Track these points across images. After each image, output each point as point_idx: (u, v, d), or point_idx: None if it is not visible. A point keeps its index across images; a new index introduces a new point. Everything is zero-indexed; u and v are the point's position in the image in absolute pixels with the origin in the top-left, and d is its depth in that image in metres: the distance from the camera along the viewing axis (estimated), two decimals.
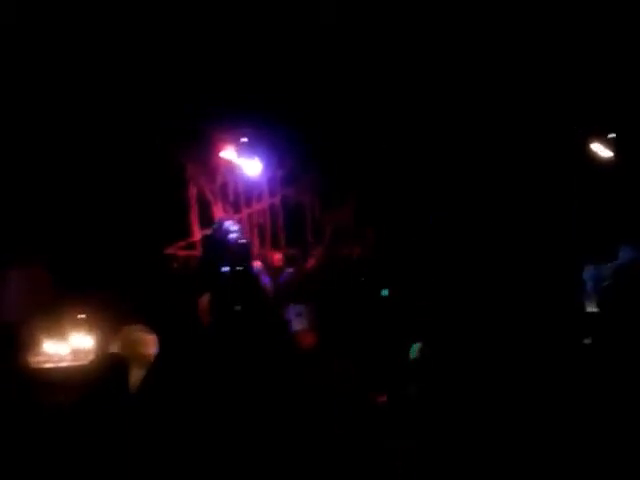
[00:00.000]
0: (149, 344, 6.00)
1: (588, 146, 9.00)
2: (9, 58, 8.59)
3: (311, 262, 9.25)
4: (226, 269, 7.79)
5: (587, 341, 6.76)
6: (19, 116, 9.03)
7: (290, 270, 9.06)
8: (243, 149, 9.13)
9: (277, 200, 10.29)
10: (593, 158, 9.06)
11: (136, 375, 6.06)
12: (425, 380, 6.55)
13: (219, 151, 9.30)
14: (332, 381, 6.47)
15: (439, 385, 6.46)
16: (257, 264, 8.59)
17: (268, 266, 9.65)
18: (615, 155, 9.01)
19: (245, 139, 9.11)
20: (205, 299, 7.59)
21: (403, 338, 7.01)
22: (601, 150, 9.03)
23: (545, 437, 5.89)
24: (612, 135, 9.01)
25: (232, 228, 8.58)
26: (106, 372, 6.02)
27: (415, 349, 6.77)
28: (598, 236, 8.19)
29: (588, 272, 7.77)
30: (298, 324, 7.31)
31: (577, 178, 8.88)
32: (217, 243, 8.51)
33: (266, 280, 8.63)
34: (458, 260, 8.15)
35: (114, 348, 6.20)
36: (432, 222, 8.99)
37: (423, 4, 8.94)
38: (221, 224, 8.86)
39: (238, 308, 7.52)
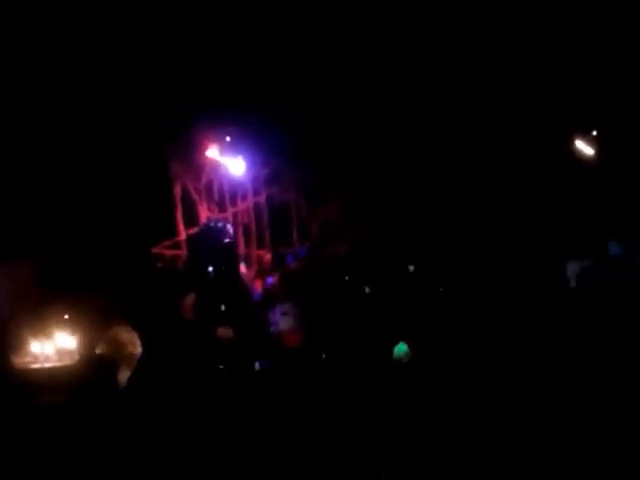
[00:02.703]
0: (134, 344, 6.00)
1: (572, 143, 9.05)
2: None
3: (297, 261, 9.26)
4: (211, 269, 7.80)
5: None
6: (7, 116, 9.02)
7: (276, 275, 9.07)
8: (227, 148, 9.13)
9: (262, 199, 10.28)
10: (577, 155, 9.11)
11: (123, 375, 6.06)
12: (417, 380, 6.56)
13: (204, 150, 9.29)
14: (330, 379, 6.48)
15: (431, 385, 6.48)
16: (243, 269, 8.59)
17: (256, 266, 9.67)
18: (598, 152, 9.06)
19: (229, 138, 9.10)
20: (190, 299, 7.58)
21: (389, 337, 7.02)
22: (584, 147, 9.08)
23: (538, 434, 5.90)
24: (595, 132, 9.06)
25: (219, 228, 8.58)
26: (92, 373, 6.02)
27: (399, 349, 6.79)
28: (581, 233, 8.24)
29: (571, 268, 7.79)
30: (284, 323, 7.32)
31: (569, 177, 8.92)
32: (203, 243, 8.51)
33: (251, 286, 8.63)
34: (452, 258, 8.18)
35: (100, 349, 6.20)
36: (432, 222, 8.98)
37: (422, 4, 9.00)
38: (208, 224, 8.86)
39: (223, 308, 7.52)
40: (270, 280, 9.03)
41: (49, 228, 9.41)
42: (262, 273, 9.43)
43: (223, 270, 7.92)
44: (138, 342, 5.98)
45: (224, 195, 10.09)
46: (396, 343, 6.89)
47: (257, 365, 7.19)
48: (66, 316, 7.80)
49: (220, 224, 8.53)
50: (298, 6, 8.82)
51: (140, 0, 8.82)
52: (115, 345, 6.08)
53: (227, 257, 8.16)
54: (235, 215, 10.14)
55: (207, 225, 8.64)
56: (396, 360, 6.82)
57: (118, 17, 8.61)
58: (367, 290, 8.20)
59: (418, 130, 9.52)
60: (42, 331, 7.56)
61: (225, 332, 7.56)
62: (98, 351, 6.13)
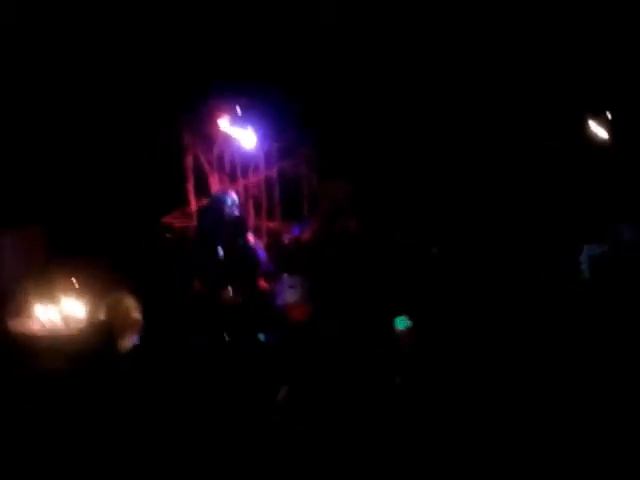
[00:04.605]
0: (136, 310, 6.05)
1: (585, 126, 8.96)
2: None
3: (306, 234, 9.26)
4: (220, 252, 7.86)
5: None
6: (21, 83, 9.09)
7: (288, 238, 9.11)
8: (237, 120, 9.11)
9: (273, 172, 10.26)
10: (590, 138, 9.02)
11: (128, 341, 6.11)
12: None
13: (216, 120, 9.28)
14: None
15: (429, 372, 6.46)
16: (251, 238, 8.62)
17: (266, 238, 9.69)
18: (611, 135, 8.97)
19: (239, 109, 9.08)
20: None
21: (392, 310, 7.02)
22: (597, 129, 8.98)
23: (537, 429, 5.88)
24: (608, 114, 8.96)
25: (228, 200, 8.60)
26: (96, 339, 6.08)
27: (400, 321, 6.78)
28: (592, 217, 8.19)
29: (583, 253, 7.71)
30: (291, 296, 7.33)
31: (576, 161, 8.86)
32: (212, 215, 8.54)
33: (262, 254, 8.66)
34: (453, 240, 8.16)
35: (104, 314, 6.25)
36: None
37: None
38: (217, 196, 8.87)
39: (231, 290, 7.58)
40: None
41: (61, 194, 9.48)
42: (273, 240, 9.47)
43: (231, 242, 7.98)
44: (139, 309, 6.03)
45: (235, 167, 10.08)
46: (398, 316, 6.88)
47: (262, 337, 7.22)
48: (75, 283, 7.84)
49: (227, 195, 8.56)
50: None
51: None
52: (119, 311, 6.13)
53: (234, 228, 8.19)
54: (246, 187, 10.13)
55: (213, 197, 8.66)
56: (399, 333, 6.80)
57: None
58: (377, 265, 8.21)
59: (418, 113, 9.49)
60: (50, 297, 7.61)
61: (230, 297, 7.64)
62: (102, 317, 6.19)
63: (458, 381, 6.25)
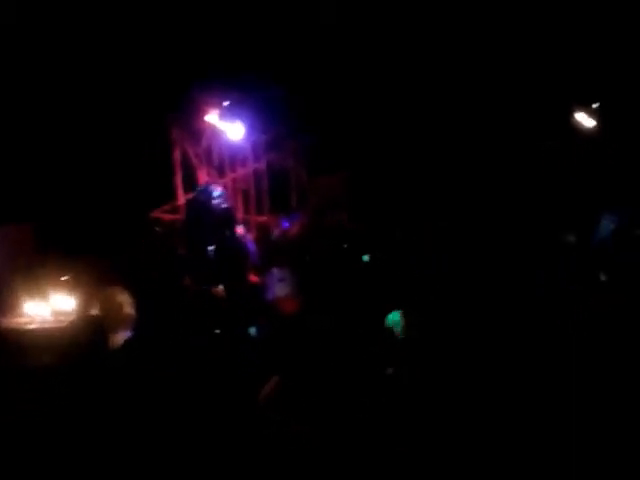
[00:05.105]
0: (129, 306, 6.03)
1: (572, 117, 8.98)
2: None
3: (295, 228, 9.26)
4: (211, 248, 7.85)
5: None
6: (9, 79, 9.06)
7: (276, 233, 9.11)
8: (225, 113, 9.09)
9: (262, 165, 10.25)
10: (577, 128, 9.04)
11: (120, 336, 6.09)
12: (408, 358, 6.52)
13: (204, 115, 9.26)
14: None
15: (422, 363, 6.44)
16: (240, 231, 8.62)
17: (255, 231, 9.70)
18: (599, 125, 8.99)
19: (227, 103, 9.05)
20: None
21: (382, 305, 7.01)
22: (585, 120, 9.01)
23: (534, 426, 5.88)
24: (596, 105, 8.99)
25: (215, 193, 8.59)
26: (87, 334, 6.06)
27: (392, 318, 6.76)
28: (582, 205, 8.21)
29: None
30: (280, 289, 7.31)
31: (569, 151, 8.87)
32: (200, 208, 8.54)
33: (251, 247, 8.67)
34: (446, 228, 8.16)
35: (96, 310, 6.23)
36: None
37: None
38: (204, 189, 8.86)
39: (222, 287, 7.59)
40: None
41: (50, 191, 9.45)
42: (262, 234, 9.47)
43: (219, 234, 7.98)
44: (131, 304, 6.01)
45: (224, 160, 10.06)
46: (390, 311, 6.87)
47: (252, 331, 7.22)
48: (64, 278, 7.83)
49: (212, 187, 8.56)
50: None
51: None
52: (112, 306, 6.11)
53: (222, 220, 8.20)
54: (234, 180, 10.12)
55: (199, 188, 8.66)
56: (389, 329, 6.79)
57: None
58: (365, 258, 8.21)
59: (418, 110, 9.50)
60: (39, 292, 7.60)
61: (220, 290, 7.66)
62: (94, 312, 6.17)
63: (458, 381, 6.25)
